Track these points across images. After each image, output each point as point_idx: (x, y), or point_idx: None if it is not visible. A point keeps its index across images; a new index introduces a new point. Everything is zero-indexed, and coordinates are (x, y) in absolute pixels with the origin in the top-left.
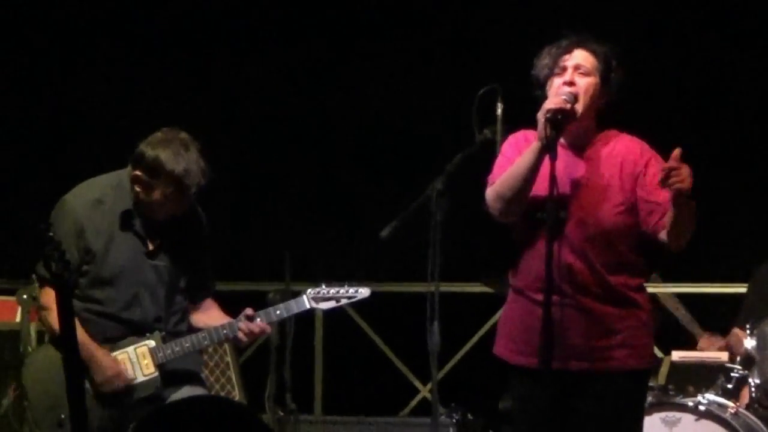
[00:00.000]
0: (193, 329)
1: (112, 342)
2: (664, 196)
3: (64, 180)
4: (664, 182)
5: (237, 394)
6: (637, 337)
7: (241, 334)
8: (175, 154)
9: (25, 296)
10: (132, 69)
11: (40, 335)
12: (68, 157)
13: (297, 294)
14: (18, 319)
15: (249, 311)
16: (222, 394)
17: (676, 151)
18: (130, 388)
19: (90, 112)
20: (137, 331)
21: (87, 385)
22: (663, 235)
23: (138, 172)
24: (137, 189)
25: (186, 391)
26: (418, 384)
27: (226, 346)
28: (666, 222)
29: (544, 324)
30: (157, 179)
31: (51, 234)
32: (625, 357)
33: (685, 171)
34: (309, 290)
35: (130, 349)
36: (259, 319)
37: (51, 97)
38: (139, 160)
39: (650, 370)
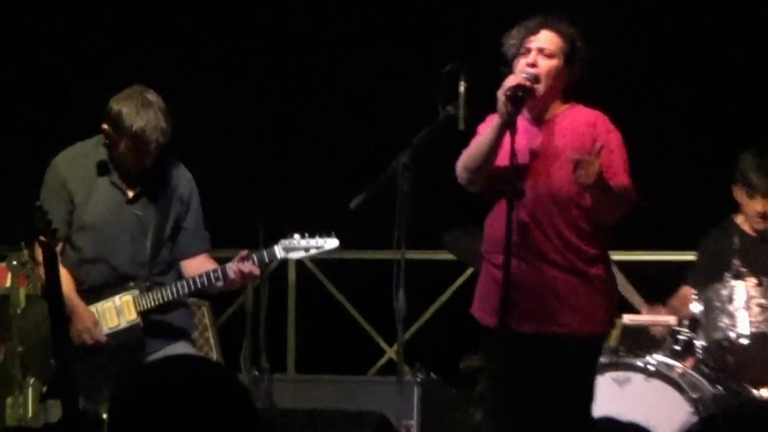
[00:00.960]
0: (182, 279)
1: (98, 291)
2: (619, 174)
3: (50, 151)
4: (574, 170)
5: (215, 355)
6: (591, 304)
7: (232, 273)
8: (136, 110)
9: (15, 262)
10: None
11: (28, 298)
12: (51, 128)
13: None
14: (8, 283)
15: (243, 253)
16: (200, 354)
17: (597, 145)
18: (111, 335)
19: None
20: (120, 277)
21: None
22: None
23: (105, 125)
24: (105, 141)
25: (178, 347)
26: (384, 345)
27: (204, 309)
28: None
29: (503, 287)
30: (118, 133)
31: (38, 203)
32: (578, 323)
33: (593, 168)
34: (282, 241)
35: (116, 298)
36: (249, 262)
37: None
38: (107, 113)
39: (603, 337)
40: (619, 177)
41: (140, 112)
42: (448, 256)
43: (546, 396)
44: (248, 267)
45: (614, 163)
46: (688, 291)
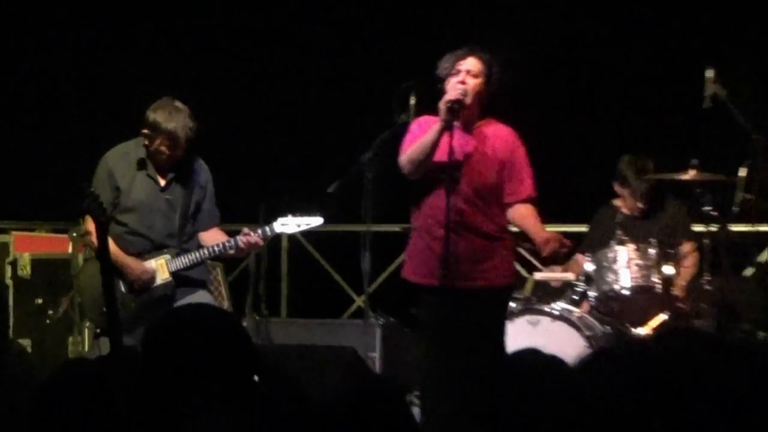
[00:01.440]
0: (201, 248)
1: (139, 256)
2: (524, 187)
3: (101, 149)
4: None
5: (226, 304)
6: (504, 262)
7: (241, 244)
8: (168, 116)
9: (74, 234)
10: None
11: (84, 261)
12: (104, 128)
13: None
14: (70, 250)
15: (246, 229)
16: (215, 301)
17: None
18: (152, 285)
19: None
20: (155, 245)
21: (121, 284)
22: (509, 211)
23: (145, 130)
24: (145, 142)
25: (198, 296)
26: (354, 296)
27: (218, 270)
28: (515, 213)
29: (443, 253)
30: (156, 134)
31: (91, 188)
32: (496, 277)
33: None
34: (279, 218)
35: (152, 260)
36: (254, 234)
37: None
38: (144, 121)
39: (512, 285)
40: (526, 184)
41: (173, 115)
42: (398, 228)
43: (472, 330)
44: (254, 239)
45: (523, 174)
46: (581, 257)
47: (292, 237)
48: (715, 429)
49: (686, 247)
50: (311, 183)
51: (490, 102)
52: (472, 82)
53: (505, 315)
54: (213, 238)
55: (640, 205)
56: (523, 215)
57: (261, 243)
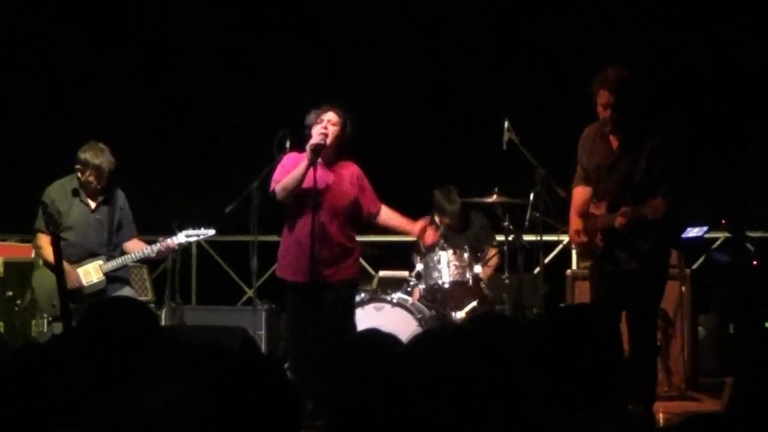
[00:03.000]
0: (125, 254)
1: (79, 262)
2: (374, 201)
3: (53, 176)
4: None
5: (150, 294)
6: (352, 264)
7: (161, 248)
8: (95, 155)
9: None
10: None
11: (35, 269)
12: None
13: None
14: (33, 255)
15: (161, 238)
16: (140, 296)
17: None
18: (86, 284)
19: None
20: (90, 254)
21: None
22: (376, 219)
23: (77, 166)
24: (78, 175)
25: (124, 291)
26: (245, 288)
27: (144, 269)
28: (381, 219)
29: (311, 257)
30: (86, 168)
31: (47, 206)
32: (347, 274)
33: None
34: (184, 231)
35: (88, 264)
36: (171, 240)
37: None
38: (77, 159)
39: (358, 281)
40: (375, 199)
41: (98, 154)
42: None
43: (326, 314)
44: (171, 243)
45: (370, 197)
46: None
47: (199, 245)
48: (510, 379)
49: (491, 252)
50: (209, 204)
51: (345, 145)
52: (332, 130)
53: (353, 301)
54: (135, 246)
55: (454, 222)
56: (389, 217)
57: (176, 248)
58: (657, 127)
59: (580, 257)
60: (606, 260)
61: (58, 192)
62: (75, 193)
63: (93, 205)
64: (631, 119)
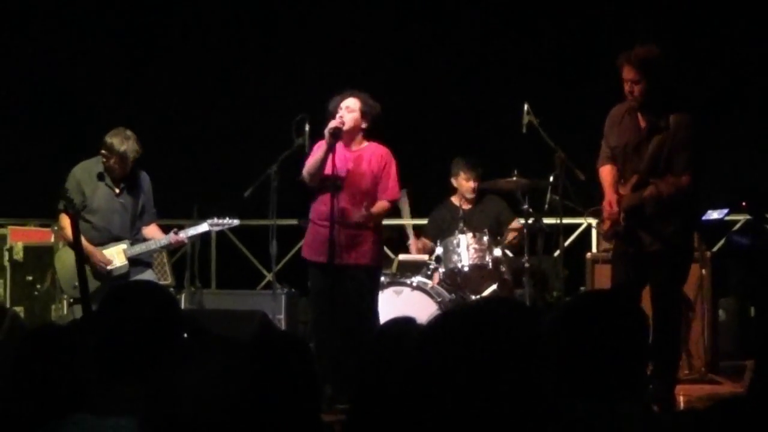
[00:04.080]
0: (146, 240)
1: (102, 245)
2: (387, 193)
3: (74, 160)
4: None
5: (170, 278)
6: (374, 248)
7: (171, 240)
8: (120, 140)
9: (55, 228)
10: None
11: (58, 250)
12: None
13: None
14: (52, 240)
15: (175, 230)
16: (160, 280)
17: None
18: (111, 268)
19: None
20: (114, 237)
21: (87, 268)
22: None
23: (103, 151)
24: (103, 160)
25: (146, 274)
26: (265, 272)
27: (164, 254)
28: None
29: (329, 238)
30: (111, 154)
31: (67, 190)
32: (369, 259)
33: (369, 219)
34: (208, 219)
35: (112, 248)
36: (181, 234)
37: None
38: (103, 144)
39: (381, 267)
40: (390, 190)
41: (123, 141)
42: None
43: (347, 296)
44: (180, 238)
45: (389, 182)
46: (426, 240)
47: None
48: (526, 364)
49: (513, 224)
50: (231, 189)
51: (373, 129)
52: (350, 116)
53: (373, 287)
54: (152, 232)
55: (469, 194)
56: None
57: (185, 242)
58: (683, 105)
59: (605, 238)
60: (629, 241)
61: (83, 174)
62: (101, 176)
63: (117, 190)
64: (657, 97)
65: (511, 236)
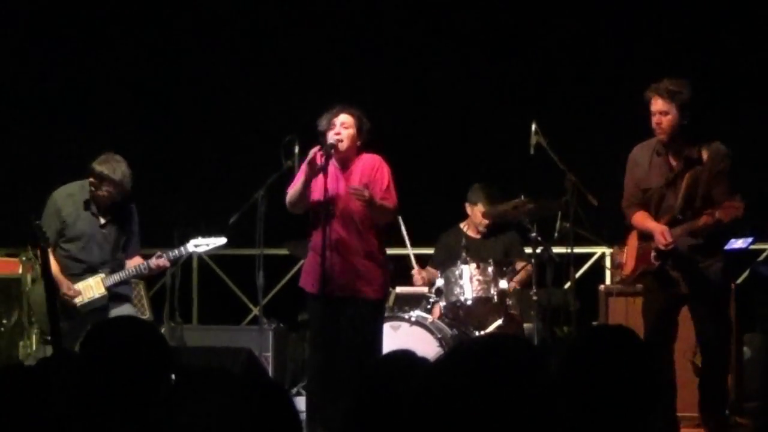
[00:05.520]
0: (126, 269)
1: (79, 276)
2: (384, 195)
3: (52, 183)
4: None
5: (148, 313)
6: (377, 279)
7: (153, 265)
8: (112, 168)
9: (24, 258)
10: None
11: (32, 280)
12: (53, 166)
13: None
14: (20, 271)
15: (158, 254)
16: (139, 314)
17: (364, 183)
18: (81, 302)
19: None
20: (90, 269)
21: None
22: None
23: (91, 179)
24: (91, 188)
25: (125, 308)
26: (251, 306)
27: (141, 286)
28: None
29: (322, 268)
30: (101, 182)
31: (37, 221)
32: (370, 291)
33: (361, 195)
34: (192, 240)
35: (90, 279)
36: (164, 258)
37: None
38: (92, 171)
39: (384, 299)
40: (388, 198)
41: (116, 169)
42: (286, 251)
43: (345, 331)
44: (162, 261)
45: (384, 189)
46: (433, 271)
47: (200, 258)
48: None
49: (520, 264)
50: (214, 214)
51: (366, 143)
52: (345, 133)
53: (374, 325)
54: (134, 262)
55: (483, 226)
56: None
57: (168, 265)
58: (712, 134)
59: (627, 281)
60: (662, 281)
61: (65, 201)
62: (86, 204)
63: (103, 220)
64: (685, 129)
65: (522, 275)
